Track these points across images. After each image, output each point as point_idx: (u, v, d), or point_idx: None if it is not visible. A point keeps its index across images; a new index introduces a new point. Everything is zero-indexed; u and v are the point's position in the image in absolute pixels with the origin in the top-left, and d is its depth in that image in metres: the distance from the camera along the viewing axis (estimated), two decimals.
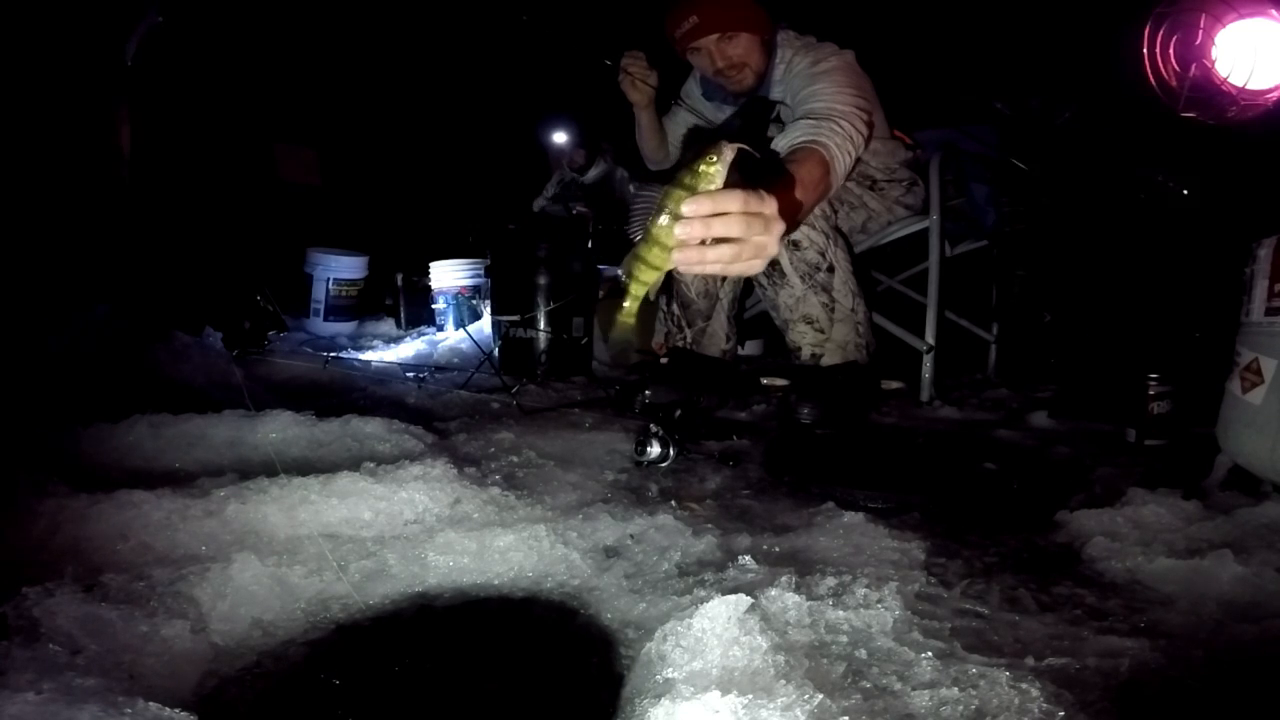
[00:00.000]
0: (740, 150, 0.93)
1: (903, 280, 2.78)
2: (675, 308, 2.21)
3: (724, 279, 2.22)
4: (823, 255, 1.95)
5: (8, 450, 1.46)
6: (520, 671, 0.94)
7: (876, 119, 1.92)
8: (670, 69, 2.29)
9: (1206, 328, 2.24)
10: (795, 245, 1.94)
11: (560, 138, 4.72)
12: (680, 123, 2.40)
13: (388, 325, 4.68)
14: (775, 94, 2.07)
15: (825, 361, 2.01)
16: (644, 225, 0.96)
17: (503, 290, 3.13)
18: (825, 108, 1.68)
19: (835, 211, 2.07)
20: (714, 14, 1.99)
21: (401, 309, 4.61)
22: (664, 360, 2.17)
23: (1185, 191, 2.38)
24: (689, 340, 2.20)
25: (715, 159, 0.91)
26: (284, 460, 1.51)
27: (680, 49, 2.11)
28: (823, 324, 1.98)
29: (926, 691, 0.80)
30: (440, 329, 4.21)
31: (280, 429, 1.67)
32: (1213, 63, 1.74)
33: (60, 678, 0.74)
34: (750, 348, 3.46)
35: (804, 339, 2.01)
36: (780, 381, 2.60)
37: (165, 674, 0.84)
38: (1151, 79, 1.84)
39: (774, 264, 1.94)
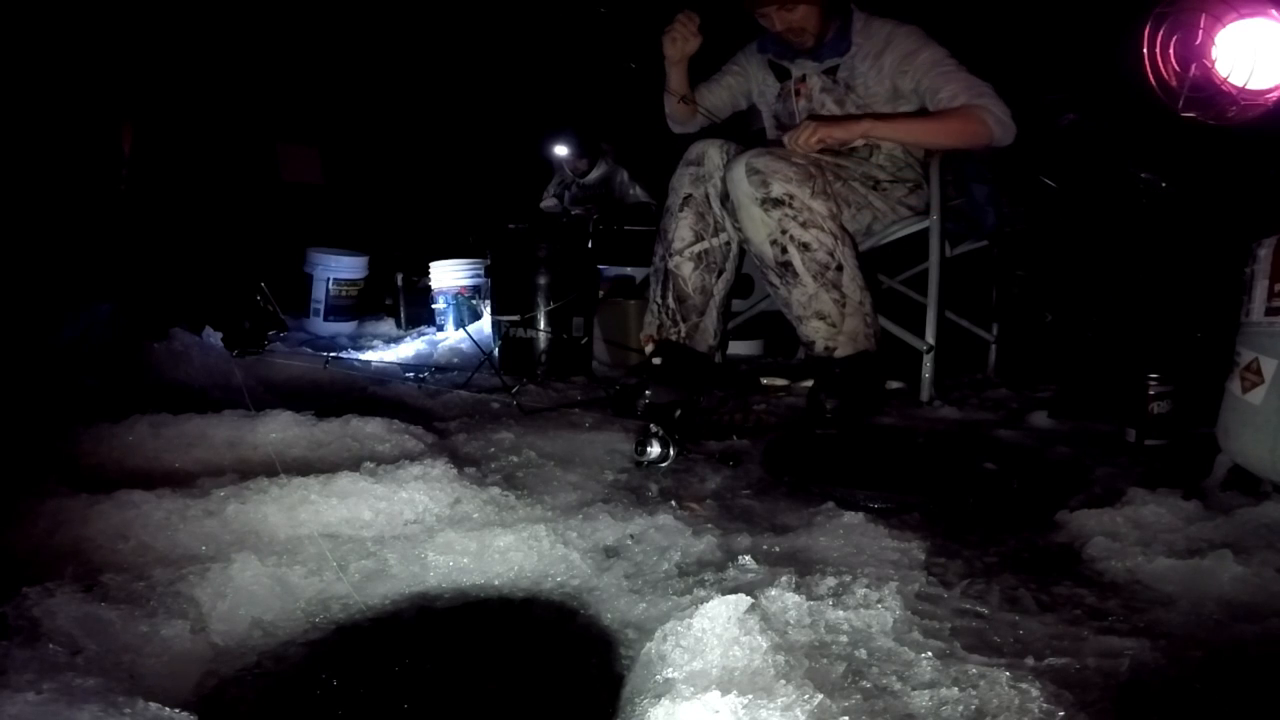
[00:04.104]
0: None
1: (903, 280, 2.77)
2: (671, 301, 2.23)
3: (719, 276, 2.25)
4: (831, 255, 2.08)
5: (8, 450, 1.47)
6: (520, 672, 0.94)
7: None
8: (710, 48, 2.42)
9: (1206, 328, 2.23)
10: (806, 248, 2.07)
11: (562, 150, 4.74)
12: (725, 85, 2.56)
13: (388, 325, 4.67)
14: (855, 44, 2.29)
15: (839, 354, 2.11)
16: None
17: (503, 290, 3.13)
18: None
19: (841, 212, 2.16)
20: None
21: (401, 309, 4.60)
22: (650, 352, 2.18)
23: (1184, 193, 2.38)
24: (683, 334, 2.22)
25: None
26: (284, 460, 1.51)
27: (747, 8, 2.29)
28: (834, 319, 2.11)
29: (926, 691, 0.80)
30: (440, 329, 4.20)
31: (280, 429, 1.67)
32: (1213, 63, 1.74)
33: (60, 678, 0.73)
34: (750, 348, 3.46)
35: (817, 334, 2.13)
36: (780, 381, 2.60)
37: (165, 674, 0.84)
38: (1151, 79, 1.84)
39: (787, 265, 2.09)
